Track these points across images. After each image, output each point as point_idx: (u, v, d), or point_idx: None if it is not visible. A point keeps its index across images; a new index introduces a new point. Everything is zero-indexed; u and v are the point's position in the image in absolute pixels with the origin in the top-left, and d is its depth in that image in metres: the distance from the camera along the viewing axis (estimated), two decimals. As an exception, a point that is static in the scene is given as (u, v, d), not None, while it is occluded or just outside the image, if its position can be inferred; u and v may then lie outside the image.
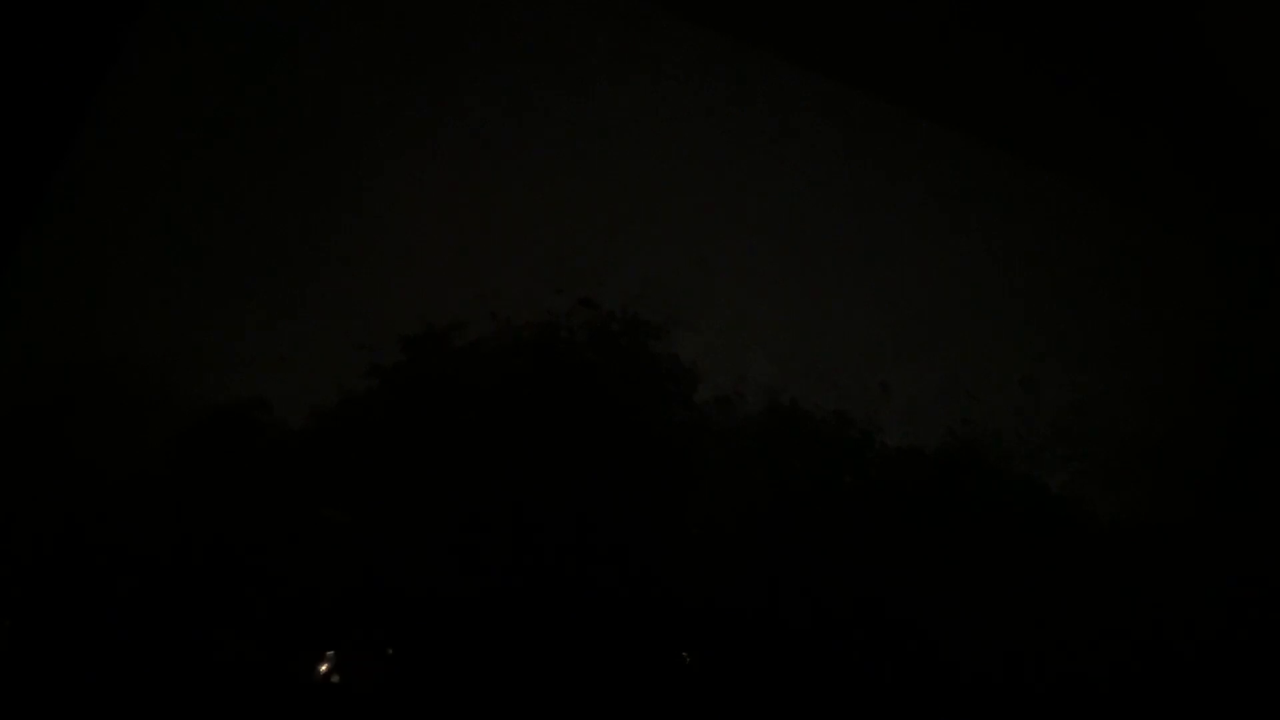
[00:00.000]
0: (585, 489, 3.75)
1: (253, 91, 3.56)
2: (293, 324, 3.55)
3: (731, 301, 3.67)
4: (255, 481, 3.60)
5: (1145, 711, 3.78)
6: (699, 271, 3.65)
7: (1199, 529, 3.77)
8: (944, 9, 3.91)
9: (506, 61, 3.59)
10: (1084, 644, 3.78)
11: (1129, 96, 3.83)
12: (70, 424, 3.41)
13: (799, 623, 3.69)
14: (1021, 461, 3.90)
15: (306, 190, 3.53)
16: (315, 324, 3.58)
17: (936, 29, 3.91)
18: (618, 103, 3.63)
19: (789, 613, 3.71)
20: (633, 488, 3.77)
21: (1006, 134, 3.74)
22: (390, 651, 3.40)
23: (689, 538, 3.76)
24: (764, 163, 3.78)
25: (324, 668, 3.50)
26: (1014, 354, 3.78)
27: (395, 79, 3.58)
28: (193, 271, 3.48)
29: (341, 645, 3.44)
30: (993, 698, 3.69)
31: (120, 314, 3.43)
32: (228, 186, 3.54)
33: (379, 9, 3.63)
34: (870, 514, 3.99)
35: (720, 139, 3.65)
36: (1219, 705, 3.78)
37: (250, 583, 3.49)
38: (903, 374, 3.73)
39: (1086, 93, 3.81)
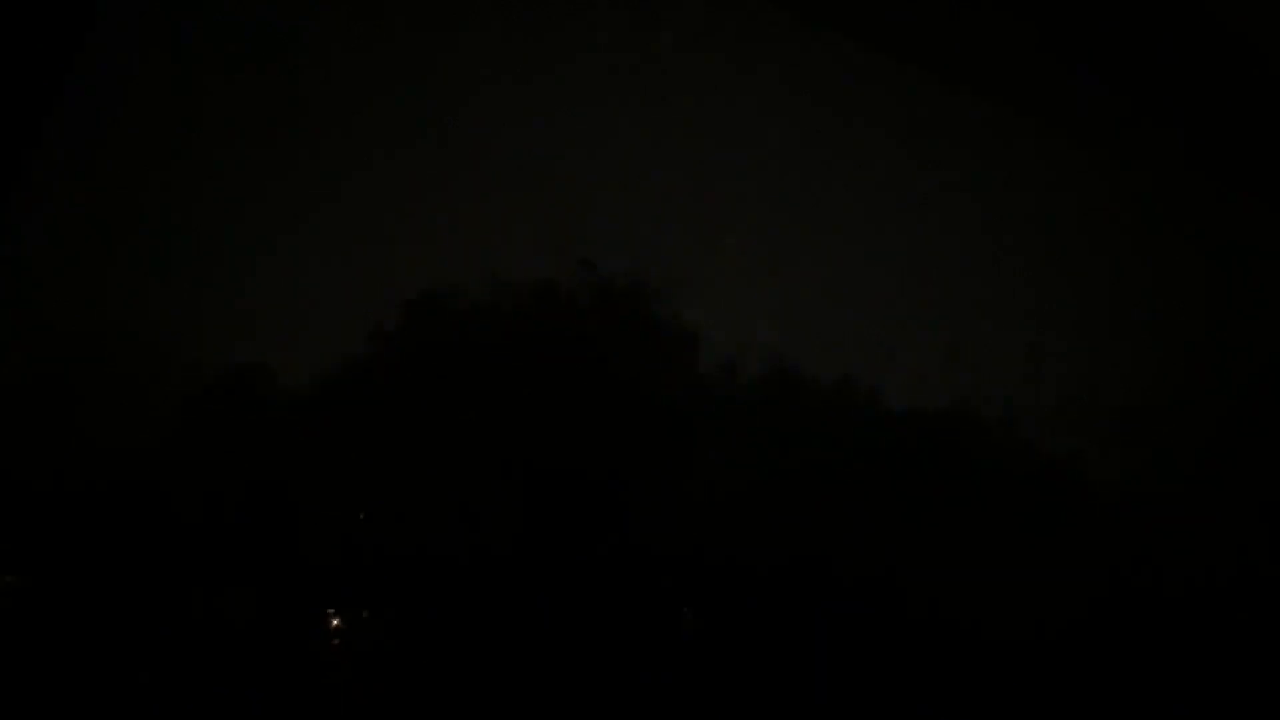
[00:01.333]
0: (587, 454, 3.75)
1: (257, 55, 3.50)
2: (295, 291, 3.54)
3: (735, 267, 3.64)
4: (258, 447, 3.61)
5: (1143, 669, 3.81)
6: (702, 237, 3.62)
7: (1199, 496, 3.77)
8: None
9: (506, 21, 3.52)
10: (1084, 607, 3.80)
11: (1141, 69, 3.76)
12: (73, 394, 3.41)
13: (800, 585, 3.71)
14: (1026, 429, 3.89)
15: (308, 158, 3.49)
16: (317, 290, 3.56)
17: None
18: (619, 64, 3.56)
19: (790, 575, 3.72)
20: (634, 453, 3.78)
21: (1022, 105, 3.68)
22: (392, 612, 3.43)
23: (691, 502, 3.77)
24: (768, 127, 3.72)
25: (335, 623, 3.54)
26: (1020, 322, 3.75)
27: (395, 42, 3.51)
28: (194, 240, 3.46)
29: (346, 607, 3.48)
30: (992, 658, 3.72)
31: (121, 284, 3.42)
32: (230, 155, 3.50)
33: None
34: (873, 481, 3.99)
35: (723, 102, 3.59)
36: (1215, 662, 3.81)
37: (255, 547, 3.52)
38: (908, 341, 3.71)
39: (1100, 67, 3.74)
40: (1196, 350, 3.72)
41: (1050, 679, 3.83)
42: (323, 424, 3.61)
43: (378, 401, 3.72)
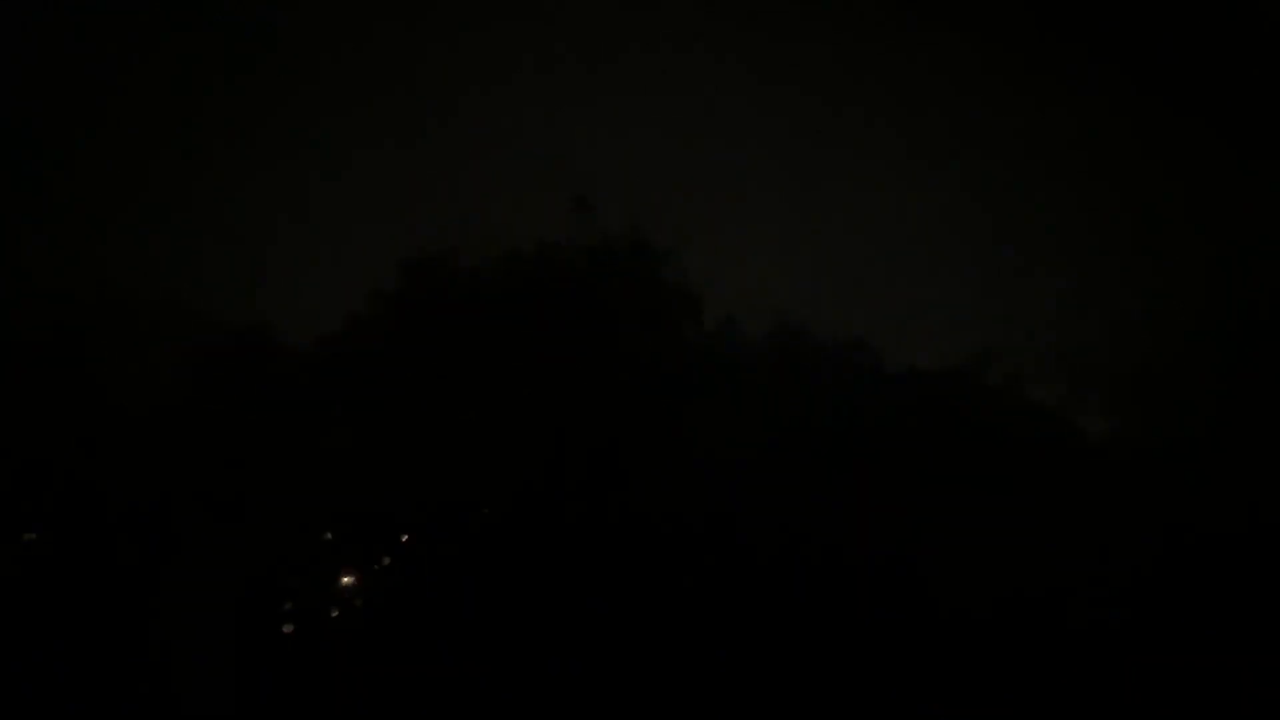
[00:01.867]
0: (589, 413, 3.73)
1: (263, 18, 3.46)
2: (297, 254, 3.52)
3: (745, 216, 3.58)
4: (261, 407, 3.61)
5: (1140, 625, 3.77)
6: (707, 194, 3.56)
7: (1208, 448, 3.72)
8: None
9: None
10: (1098, 567, 3.76)
11: (1150, 27, 3.66)
12: (78, 353, 3.42)
13: (800, 548, 3.68)
14: (1040, 385, 3.84)
15: (314, 125, 3.46)
16: (319, 252, 3.54)
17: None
18: (620, 22, 3.49)
19: (791, 538, 3.70)
20: (636, 412, 3.75)
21: (1034, 64, 3.58)
22: (389, 569, 3.44)
23: (692, 461, 3.74)
24: (780, 69, 3.64)
25: (345, 580, 3.55)
26: (1040, 274, 3.69)
27: (402, 15, 3.46)
28: (202, 203, 3.45)
29: (347, 565, 3.48)
30: (991, 624, 3.70)
31: (126, 244, 3.41)
32: (233, 117, 3.47)
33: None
34: (881, 439, 3.95)
35: (732, 42, 3.49)
36: (1213, 619, 3.77)
37: (255, 505, 3.52)
38: (925, 294, 3.65)
39: (1112, 28, 3.64)
40: (1202, 313, 3.65)
41: (1055, 644, 3.80)
42: (324, 383, 3.60)
43: (378, 361, 3.70)
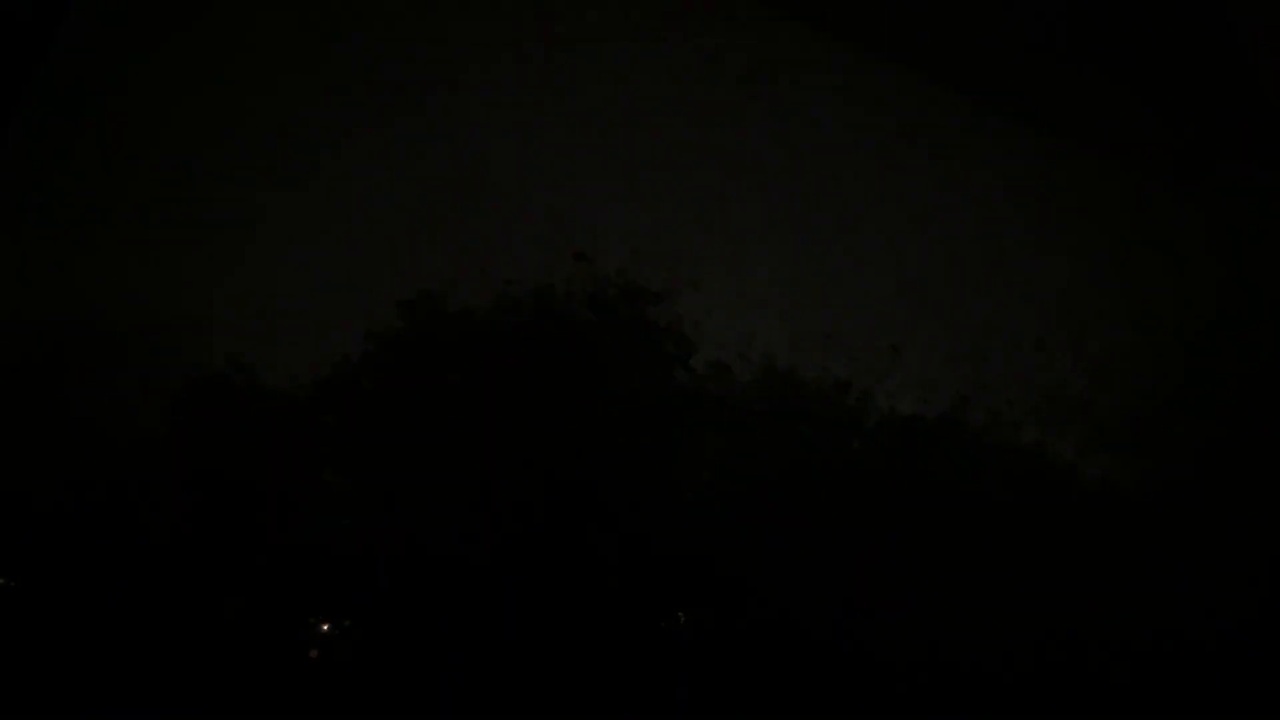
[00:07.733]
0: (580, 455, 3.69)
1: (247, 47, 3.49)
2: (287, 291, 3.49)
3: (738, 260, 3.59)
4: (251, 446, 3.55)
5: (1138, 684, 3.69)
6: (704, 228, 3.57)
7: (1203, 496, 3.70)
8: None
9: (501, 16, 3.52)
10: (1080, 620, 3.70)
11: (1137, 61, 3.77)
12: (62, 390, 3.35)
13: (790, 588, 3.62)
14: (1031, 428, 3.82)
15: (301, 152, 3.46)
16: (312, 288, 3.52)
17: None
18: (616, 55, 3.55)
19: (781, 577, 3.64)
20: (627, 454, 3.71)
21: (1020, 99, 3.67)
22: (380, 614, 3.33)
23: (684, 501, 3.70)
24: (771, 118, 3.69)
25: (324, 627, 3.46)
26: (1026, 315, 3.70)
27: (389, 37, 3.51)
28: (187, 231, 3.42)
29: (339, 605, 3.39)
30: (981, 671, 3.61)
31: (114, 275, 3.37)
32: (223, 147, 3.47)
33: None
34: (870, 482, 3.92)
35: (725, 93, 3.57)
36: (1214, 678, 3.69)
37: (249, 545, 3.45)
38: (914, 336, 3.64)
39: (1095, 59, 3.74)
40: (1198, 351, 3.67)
41: (1043, 692, 3.71)
42: (314, 423, 3.55)
43: (370, 401, 3.66)
